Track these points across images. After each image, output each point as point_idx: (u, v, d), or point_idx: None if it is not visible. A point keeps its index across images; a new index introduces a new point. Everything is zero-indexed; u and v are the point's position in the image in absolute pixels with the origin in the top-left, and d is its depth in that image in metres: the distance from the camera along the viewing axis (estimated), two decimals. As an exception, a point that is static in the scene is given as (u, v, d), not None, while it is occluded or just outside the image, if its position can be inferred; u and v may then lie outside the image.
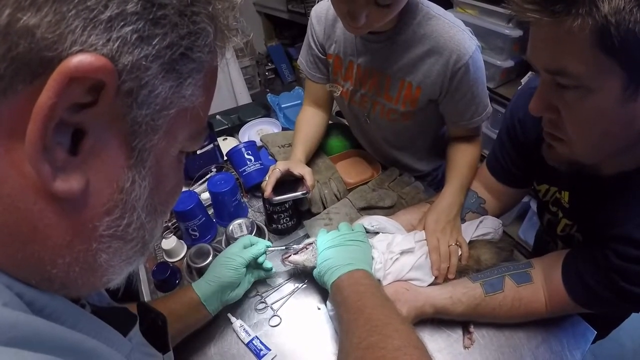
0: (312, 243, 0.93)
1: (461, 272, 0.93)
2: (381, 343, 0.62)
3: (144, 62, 0.28)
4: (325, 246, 0.87)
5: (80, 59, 0.25)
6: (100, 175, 0.31)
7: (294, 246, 0.96)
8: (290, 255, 0.94)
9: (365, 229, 0.95)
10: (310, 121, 1.27)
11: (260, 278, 0.98)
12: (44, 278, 0.32)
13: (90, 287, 0.37)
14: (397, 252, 0.91)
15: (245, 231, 1.05)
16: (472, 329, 0.88)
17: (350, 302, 0.72)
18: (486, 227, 1.00)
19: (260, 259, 0.93)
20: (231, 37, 0.35)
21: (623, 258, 0.70)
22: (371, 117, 1.19)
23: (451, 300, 0.85)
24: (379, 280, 0.88)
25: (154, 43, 0.28)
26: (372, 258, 0.89)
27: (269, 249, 0.95)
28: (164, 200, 0.38)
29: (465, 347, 0.86)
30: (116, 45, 0.27)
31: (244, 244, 0.92)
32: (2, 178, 0.27)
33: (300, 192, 1.03)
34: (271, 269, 0.97)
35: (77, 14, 0.25)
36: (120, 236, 0.34)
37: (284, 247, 0.97)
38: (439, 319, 0.89)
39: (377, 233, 0.97)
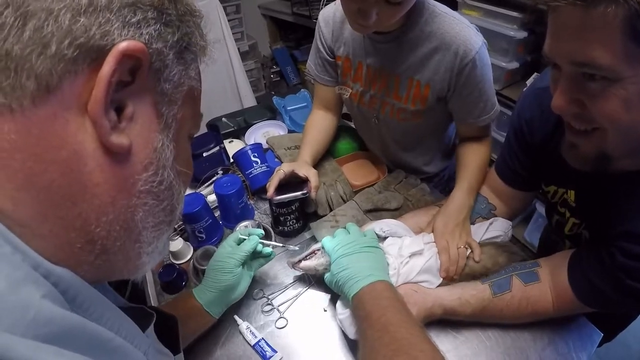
0: (320, 249, 0.92)
1: (471, 278, 0.92)
2: None
3: (164, 50, 0.39)
4: (340, 254, 0.84)
5: (128, 43, 0.35)
6: (139, 138, 0.39)
7: (296, 251, 0.96)
8: (300, 262, 0.93)
9: (376, 234, 0.94)
10: (319, 124, 1.28)
11: (262, 266, 0.97)
12: (88, 240, 0.37)
13: (125, 255, 0.41)
14: (407, 255, 0.91)
15: (251, 233, 1.06)
16: None
17: (374, 318, 0.71)
18: (496, 229, 1.00)
19: (258, 248, 0.91)
20: (206, 42, 0.45)
21: (629, 256, 0.69)
22: (380, 118, 1.19)
23: (460, 301, 0.85)
24: None
25: (168, 38, 0.39)
26: (387, 264, 0.88)
27: (270, 247, 0.94)
28: (183, 168, 0.46)
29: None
30: (146, 38, 0.37)
31: (234, 240, 0.90)
32: (61, 145, 0.34)
33: (300, 192, 1.04)
34: (271, 253, 0.94)
35: (117, 18, 0.35)
36: (155, 193, 0.41)
37: (281, 245, 0.95)
38: (445, 320, 0.89)
39: (387, 237, 0.97)
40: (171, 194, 0.44)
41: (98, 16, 0.34)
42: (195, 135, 0.50)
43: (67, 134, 0.34)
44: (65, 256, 0.35)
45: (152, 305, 0.97)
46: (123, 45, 0.34)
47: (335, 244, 0.87)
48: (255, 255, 0.93)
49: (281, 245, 0.95)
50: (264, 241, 0.92)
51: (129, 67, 0.36)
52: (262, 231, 0.93)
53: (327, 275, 0.87)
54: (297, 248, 0.99)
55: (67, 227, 0.35)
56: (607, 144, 0.63)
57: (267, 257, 0.95)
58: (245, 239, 0.90)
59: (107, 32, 0.34)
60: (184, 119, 0.44)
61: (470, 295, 0.86)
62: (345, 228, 0.92)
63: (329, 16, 1.15)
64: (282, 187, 1.07)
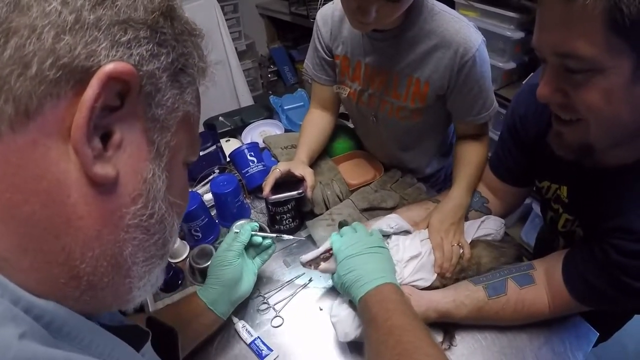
0: (330, 249, 0.88)
1: (460, 272, 0.93)
2: None
3: (157, 72, 0.36)
4: (346, 254, 0.82)
5: (115, 64, 0.32)
6: (127, 168, 0.36)
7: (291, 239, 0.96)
8: (314, 262, 0.90)
9: (383, 232, 0.92)
10: (316, 123, 1.27)
11: (265, 262, 0.96)
12: (73, 275, 0.34)
13: (114, 291, 0.38)
14: (406, 259, 0.91)
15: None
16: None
17: (379, 321, 0.70)
18: (487, 227, 1.01)
19: (256, 240, 0.91)
20: (206, 63, 0.43)
21: (623, 253, 0.69)
22: (379, 117, 1.19)
23: (454, 303, 0.85)
24: None
25: (161, 59, 0.37)
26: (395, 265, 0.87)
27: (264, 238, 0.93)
28: (177, 199, 0.43)
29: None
30: (137, 59, 0.34)
31: (231, 238, 0.89)
32: (42, 174, 0.31)
33: (296, 192, 1.04)
34: (271, 244, 0.94)
35: (105, 37, 0.32)
36: (144, 227, 0.38)
37: (275, 235, 0.95)
38: (440, 324, 0.88)
39: (390, 236, 0.96)
40: (163, 228, 0.41)
41: (85, 34, 0.31)
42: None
43: (48, 163, 0.31)
44: (49, 290, 0.33)
45: (149, 307, 0.97)
46: (109, 67, 0.32)
47: (341, 244, 0.85)
48: (257, 250, 0.93)
49: (274, 235, 0.95)
50: (257, 233, 0.92)
51: (117, 91, 0.33)
52: (256, 223, 0.93)
53: (334, 277, 0.86)
54: (291, 237, 0.99)
55: (50, 261, 0.33)
56: (590, 135, 0.64)
57: (269, 248, 0.95)
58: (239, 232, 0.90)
59: (94, 52, 0.32)
60: (178, 147, 0.41)
61: (464, 296, 0.85)
62: (352, 227, 0.90)
63: (327, 15, 1.14)
64: (278, 186, 1.06)
